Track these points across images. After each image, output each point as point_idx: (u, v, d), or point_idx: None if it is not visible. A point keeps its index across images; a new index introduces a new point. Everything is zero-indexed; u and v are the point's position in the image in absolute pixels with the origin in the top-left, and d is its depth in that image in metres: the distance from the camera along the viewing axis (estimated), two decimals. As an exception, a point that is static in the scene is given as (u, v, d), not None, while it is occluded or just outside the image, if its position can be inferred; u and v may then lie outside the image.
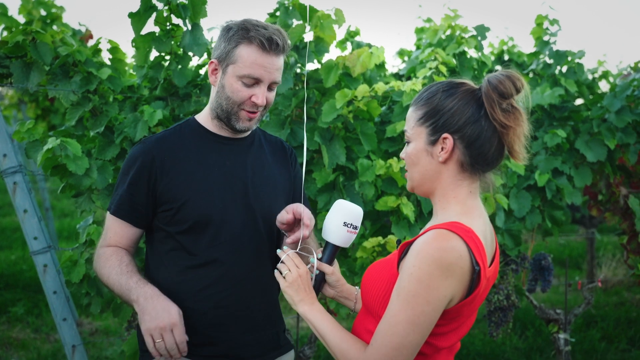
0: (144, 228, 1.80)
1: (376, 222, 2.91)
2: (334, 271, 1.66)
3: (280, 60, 1.78)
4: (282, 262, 1.60)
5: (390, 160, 2.64)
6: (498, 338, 3.20)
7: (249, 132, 1.88)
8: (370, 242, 2.60)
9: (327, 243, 1.65)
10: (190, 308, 1.74)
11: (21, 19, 4.37)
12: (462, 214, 1.42)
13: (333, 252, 1.65)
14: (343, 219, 1.61)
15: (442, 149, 1.43)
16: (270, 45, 1.72)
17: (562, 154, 3.21)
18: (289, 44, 1.79)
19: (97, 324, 4.73)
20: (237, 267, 1.76)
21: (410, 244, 1.41)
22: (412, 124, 1.49)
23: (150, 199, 1.75)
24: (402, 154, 1.54)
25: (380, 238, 2.60)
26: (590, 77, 4.38)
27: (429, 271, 1.31)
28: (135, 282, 1.69)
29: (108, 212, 1.81)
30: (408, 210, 2.65)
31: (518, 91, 1.39)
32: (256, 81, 1.74)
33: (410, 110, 1.51)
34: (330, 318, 1.51)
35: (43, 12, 4.35)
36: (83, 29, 4.63)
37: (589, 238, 6.10)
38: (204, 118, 1.85)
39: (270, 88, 1.79)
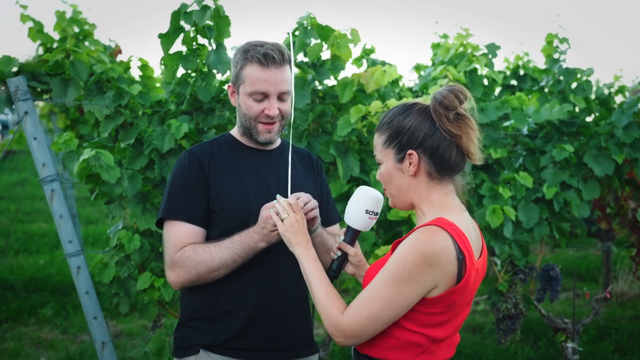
0: (206, 227, 1.91)
1: (388, 231, 3.05)
2: (356, 253, 1.79)
3: (283, 72, 1.90)
4: (279, 204, 1.75)
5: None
6: (506, 345, 3.30)
7: (277, 144, 2.04)
8: (382, 250, 2.74)
9: (348, 227, 1.76)
10: (230, 303, 1.89)
11: (56, 36, 4.61)
12: (443, 212, 1.59)
13: (354, 236, 1.76)
14: (365, 206, 1.71)
15: (410, 163, 1.60)
16: (267, 60, 1.87)
17: (570, 168, 3.32)
18: (288, 55, 1.93)
19: (121, 326, 4.92)
20: (275, 266, 1.90)
21: (401, 241, 1.58)
22: (379, 148, 1.66)
23: (207, 199, 1.90)
24: (377, 176, 1.70)
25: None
26: (606, 91, 4.49)
27: (414, 259, 1.48)
28: (237, 235, 1.83)
29: (170, 222, 1.88)
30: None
31: (461, 102, 1.56)
32: (264, 95, 1.90)
33: (375, 136, 1.68)
34: (321, 269, 1.66)
35: (76, 29, 4.59)
36: (113, 45, 4.86)
37: (605, 251, 6.14)
38: (237, 132, 2.03)
39: (281, 99, 1.92)
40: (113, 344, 2.69)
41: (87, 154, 2.41)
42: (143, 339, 4.44)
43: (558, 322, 3.41)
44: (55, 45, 4.59)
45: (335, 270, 1.77)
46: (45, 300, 5.42)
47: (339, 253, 1.77)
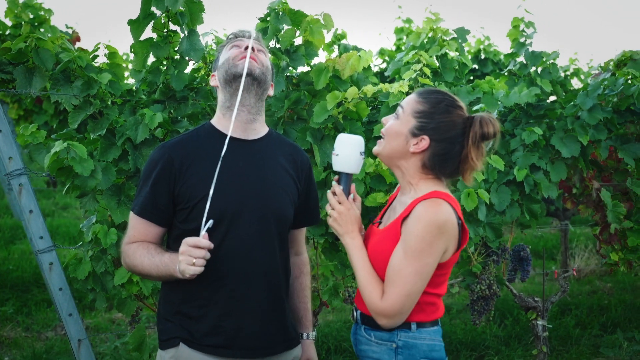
0: (167, 226, 1.90)
1: (364, 217, 3.05)
2: (357, 197, 1.90)
3: (258, 43, 1.97)
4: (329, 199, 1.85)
5: (378, 159, 2.78)
6: (480, 326, 3.37)
7: (261, 134, 1.98)
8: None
9: (343, 175, 1.85)
10: (204, 298, 1.86)
11: (8, 23, 4.41)
12: (434, 186, 1.77)
13: (350, 180, 1.85)
14: (360, 149, 1.82)
15: (417, 144, 1.74)
16: (238, 34, 1.99)
17: (538, 150, 3.38)
18: (257, 34, 2.00)
19: (88, 321, 4.80)
20: (248, 262, 1.87)
21: (407, 216, 1.72)
22: (409, 111, 1.77)
23: (171, 199, 1.86)
24: (384, 119, 1.84)
25: (370, 232, 2.74)
26: (562, 74, 4.59)
27: (430, 230, 1.65)
28: (168, 256, 1.80)
29: (132, 212, 1.90)
30: (396, 205, 2.79)
31: (494, 135, 1.74)
32: (238, 41, 1.96)
33: (414, 97, 1.79)
34: (365, 258, 1.77)
35: (31, 15, 4.40)
36: (70, 32, 4.68)
37: (562, 230, 6.33)
38: (218, 121, 1.96)
39: (257, 50, 1.94)
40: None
41: (58, 146, 2.32)
42: (112, 333, 4.35)
43: (529, 301, 3.50)
44: (7, 32, 4.37)
45: None
46: (4, 297, 5.24)
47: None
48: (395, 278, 1.67)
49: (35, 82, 2.54)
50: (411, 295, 1.67)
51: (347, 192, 1.85)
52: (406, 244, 1.67)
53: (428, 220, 1.65)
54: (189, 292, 1.87)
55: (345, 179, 1.85)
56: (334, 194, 1.84)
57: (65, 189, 2.50)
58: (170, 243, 1.93)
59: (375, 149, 1.83)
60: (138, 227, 1.90)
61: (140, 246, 1.87)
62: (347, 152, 1.82)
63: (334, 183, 1.86)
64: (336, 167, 1.85)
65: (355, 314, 1.91)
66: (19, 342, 4.37)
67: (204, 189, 1.83)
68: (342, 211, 1.81)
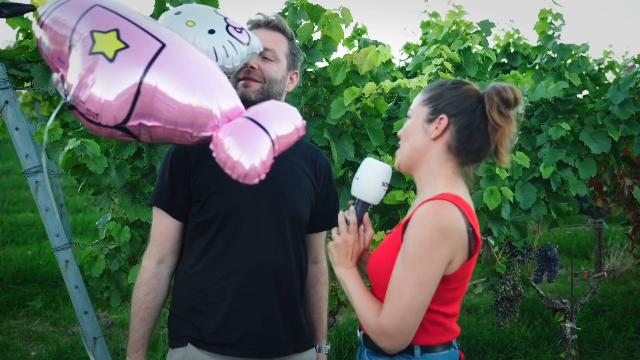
0: (183, 220, 1.88)
1: (384, 215, 2.99)
2: (368, 230, 1.74)
3: (273, 35, 1.91)
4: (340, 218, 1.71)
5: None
6: (506, 327, 3.27)
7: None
8: (379, 235, 2.68)
9: (359, 201, 1.70)
10: (213, 294, 1.83)
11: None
12: (448, 187, 1.60)
13: (365, 209, 1.71)
14: (382, 179, 1.68)
15: (437, 127, 1.61)
16: (259, 23, 1.93)
17: (566, 147, 3.27)
18: (284, 25, 1.94)
19: (113, 317, 4.85)
20: (259, 259, 1.83)
21: (409, 220, 1.56)
22: (416, 104, 1.68)
23: (187, 191, 1.85)
24: (400, 130, 1.70)
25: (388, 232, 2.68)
26: (596, 68, 4.44)
27: (430, 234, 1.47)
28: (136, 337, 1.89)
29: (154, 207, 1.90)
30: (415, 203, 2.72)
31: (516, 103, 1.57)
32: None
33: (419, 95, 1.70)
34: (360, 283, 1.63)
35: (56, 14, 4.43)
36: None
37: (596, 228, 6.14)
38: None
39: (264, 57, 1.88)
40: (105, 335, 2.62)
41: (72, 144, 2.32)
42: (136, 329, 4.37)
43: (557, 303, 3.39)
44: (35, 31, 4.43)
45: None
46: (34, 292, 5.33)
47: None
48: (394, 290, 1.49)
49: (52, 80, 2.54)
50: (412, 310, 1.47)
51: (359, 221, 1.70)
52: (405, 250, 1.50)
53: (428, 223, 1.47)
54: (199, 287, 1.86)
55: (361, 206, 1.70)
56: (347, 220, 1.70)
57: (80, 186, 2.50)
58: (186, 242, 1.91)
59: (395, 162, 1.70)
60: (156, 225, 1.89)
61: (149, 294, 1.88)
62: (368, 178, 1.67)
63: (351, 208, 1.72)
64: (354, 191, 1.70)
65: (358, 334, 1.75)
66: (45, 336, 4.44)
67: (217, 183, 1.83)
68: (347, 240, 1.67)
